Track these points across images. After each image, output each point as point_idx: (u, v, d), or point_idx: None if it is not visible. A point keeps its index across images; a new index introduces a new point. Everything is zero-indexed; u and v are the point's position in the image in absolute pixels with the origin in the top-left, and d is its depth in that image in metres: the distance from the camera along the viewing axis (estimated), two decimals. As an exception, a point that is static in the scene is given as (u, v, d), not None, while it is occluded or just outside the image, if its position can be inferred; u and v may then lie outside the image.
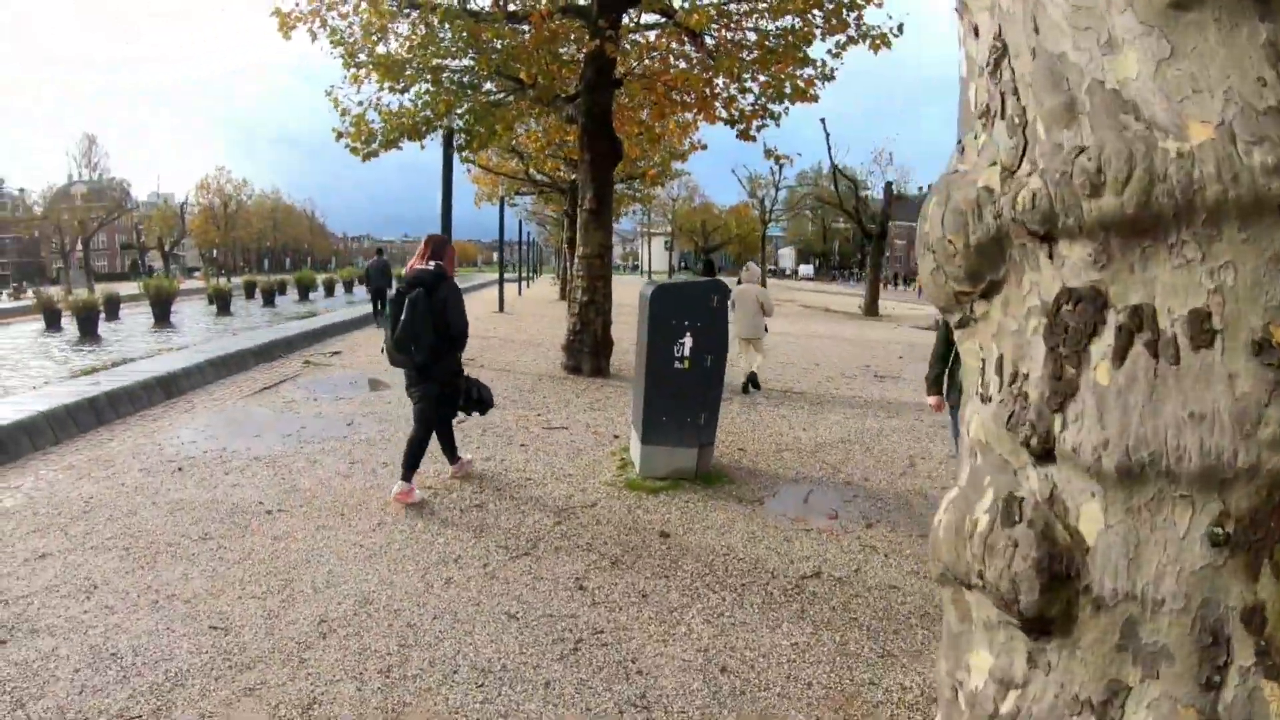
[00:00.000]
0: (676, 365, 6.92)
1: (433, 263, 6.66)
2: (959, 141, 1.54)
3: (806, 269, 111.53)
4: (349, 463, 7.79)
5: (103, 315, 29.51)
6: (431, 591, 4.87)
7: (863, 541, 5.87)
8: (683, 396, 6.97)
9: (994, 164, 1.39)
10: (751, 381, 12.40)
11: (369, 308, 25.69)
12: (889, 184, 40.39)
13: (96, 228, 75.41)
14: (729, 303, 8.31)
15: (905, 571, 5.36)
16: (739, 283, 12.48)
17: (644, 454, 7.15)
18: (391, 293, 7.40)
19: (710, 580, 5.10)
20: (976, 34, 1.46)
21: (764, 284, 15.26)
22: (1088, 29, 1.24)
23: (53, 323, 29.82)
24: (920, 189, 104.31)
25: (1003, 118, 1.38)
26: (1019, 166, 1.34)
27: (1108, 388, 1.26)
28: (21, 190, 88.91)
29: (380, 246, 35.00)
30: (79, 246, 73.29)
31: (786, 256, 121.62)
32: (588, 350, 13.48)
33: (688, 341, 6.87)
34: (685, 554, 5.50)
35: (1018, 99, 1.35)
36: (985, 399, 1.45)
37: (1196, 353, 1.19)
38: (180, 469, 7.73)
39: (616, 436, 8.97)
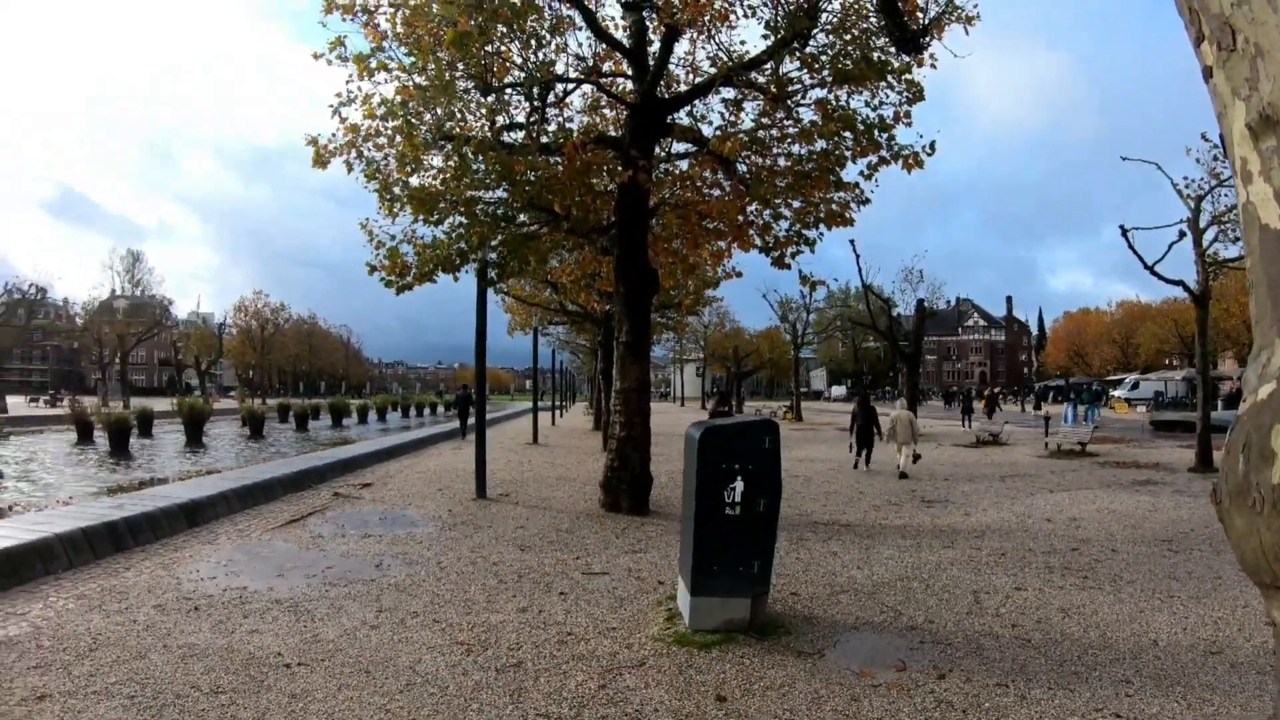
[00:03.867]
0: (727, 511, 6.46)
1: (726, 407, 11.71)
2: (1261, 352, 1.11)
3: (839, 390, 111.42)
4: (376, 611, 7.35)
5: (135, 431, 29.82)
6: (465, 770, 4.39)
7: (937, 696, 5.33)
8: (735, 544, 6.50)
9: None
10: (902, 474, 17.93)
11: (401, 438, 29.33)
12: (921, 302, 40.28)
13: (135, 343, 77.10)
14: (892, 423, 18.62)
15: None
16: (897, 407, 20.40)
17: (694, 606, 6.64)
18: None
19: (773, 755, 4.59)
20: None
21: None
22: None
23: (85, 435, 30.10)
24: (949, 302, 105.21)
25: None
26: None
27: None
28: (65, 300, 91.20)
29: (465, 384, 40.79)
30: (118, 360, 74.54)
31: (818, 378, 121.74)
32: (626, 488, 13.07)
33: (739, 485, 6.42)
34: (744, 722, 4.98)
35: None
36: None
37: None
38: (196, 608, 7.42)
39: (661, 583, 8.43)
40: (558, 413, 52.50)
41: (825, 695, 5.37)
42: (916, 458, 18.99)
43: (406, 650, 6.25)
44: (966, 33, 12.08)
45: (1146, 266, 18.98)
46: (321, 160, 12.80)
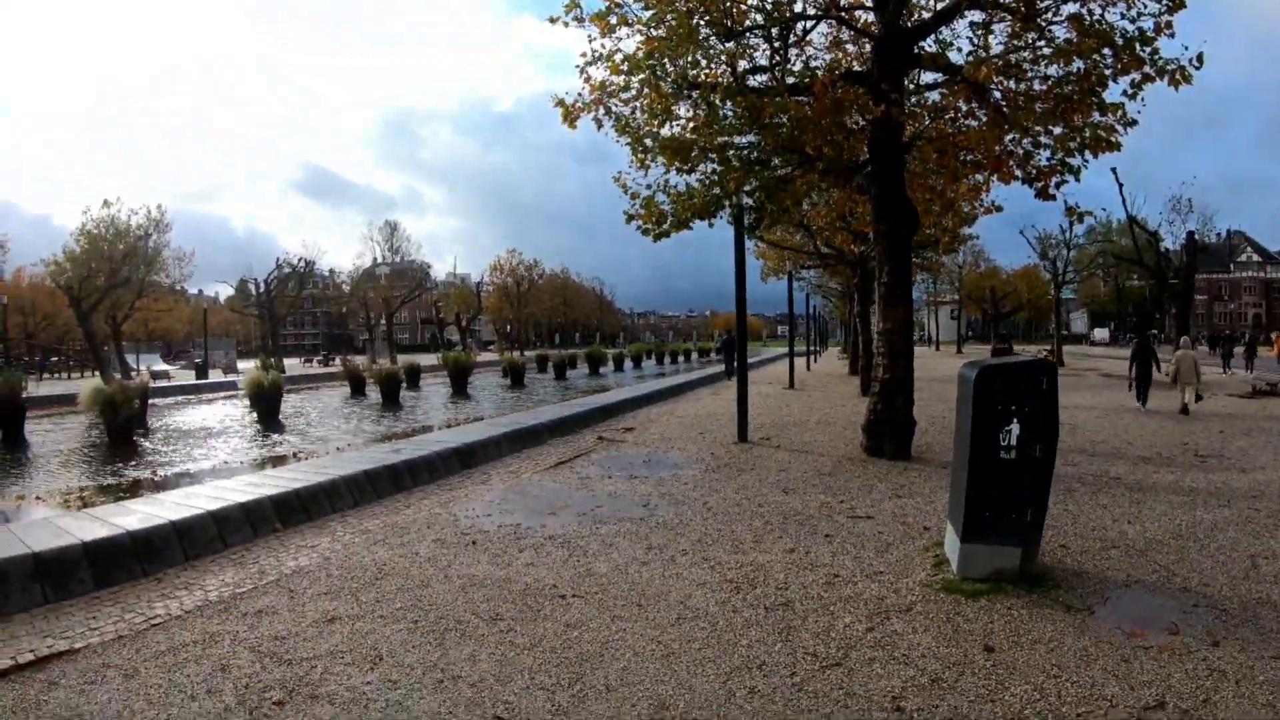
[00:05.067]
0: (1002, 455, 6.21)
1: (1006, 345, 13.35)
2: None
3: (1101, 333, 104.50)
4: (646, 548, 7.65)
5: (404, 384, 31.88)
6: (734, 701, 4.51)
7: (1209, 664, 4.95)
8: (1008, 490, 6.25)
9: None
10: (1185, 410, 19.17)
11: (658, 384, 31.39)
12: (1190, 234, 37.10)
13: (399, 305, 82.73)
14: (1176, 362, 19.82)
15: (1260, 703, 4.44)
16: (1180, 346, 21.86)
17: (963, 552, 6.48)
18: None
19: (1042, 708, 4.42)
20: None
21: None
22: None
23: (358, 390, 32.76)
24: (1220, 235, 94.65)
25: None
26: None
27: None
28: (331, 271, 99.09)
29: (729, 330, 41.15)
30: (383, 321, 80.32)
31: (1079, 320, 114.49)
32: (890, 431, 12.87)
33: (1014, 429, 6.15)
34: (1012, 673, 4.85)
35: None
36: None
37: None
38: (474, 543, 7.97)
39: (927, 529, 8.30)
40: (812, 357, 52.14)
41: (1095, 654, 5.14)
42: (1199, 398, 20.14)
43: (677, 586, 6.48)
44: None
45: None
46: (571, 118, 13.20)
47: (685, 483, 10.94)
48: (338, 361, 58.59)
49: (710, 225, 13.68)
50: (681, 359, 74.93)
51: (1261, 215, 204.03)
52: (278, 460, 14.87)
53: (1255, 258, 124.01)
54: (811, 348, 54.71)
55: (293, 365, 64.81)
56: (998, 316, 67.04)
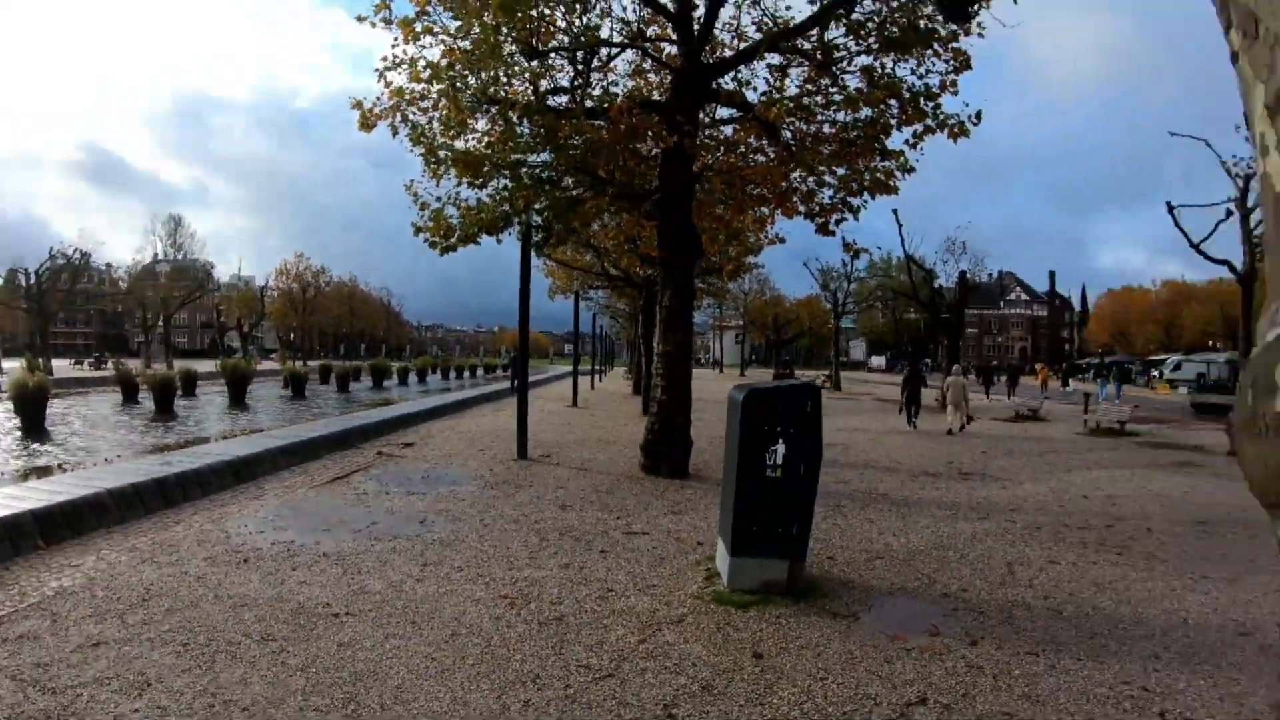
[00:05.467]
0: (768, 473, 6.52)
1: (787, 370, 17.98)
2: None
3: (878, 360, 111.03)
4: (421, 565, 7.53)
5: (180, 392, 30.17)
6: (508, 715, 4.53)
7: (968, 661, 5.39)
8: (774, 506, 6.55)
9: None
10: (958, 429, 21.57)
11: (442, 399, 30.60)
12: (963, 273, 39.93)
13: (179, 306, 77.83)
14: (946, 386, 23.58)
15: (1016, 695, 4.86)
16: (952, 373, 24.02)
17: (733, 566, 6.74)
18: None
19: (809, 708, 4.66)
20: None
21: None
22: None
23: (130, 396, 30.64)
24: (991, 275, 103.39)
25: None
26: None
27: None
28: (108, 265, 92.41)
29: (514, 348, 40.79)
30: (161, 322, 75.59)
31: (858, 348, 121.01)
32: (667, 451, 13.13)
33: (780, 448, 6.47)
34: (780, 678, 5.07)
35: None
36: None
37: None
38: (246, 560, 7.63)
39: (700, 544, 8.55)
40: (597, 377, 52.70)
41: (859, 656, 5.46)
42: (970, 419, 22.81)
43: (451, 603, 6.41)
44: (1016, 1, 11.79)
45: (1192, 244, 18.79)
46: (367, 124, 12.89)
47: (463, 499, 10.84)
48: (110, 364, 54.63)
49: (499, 241, 13.69)
50: (468, 374, 74.12)
51: (1036, 260, 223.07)
52: (42, 471, 13.72)
53: (1024, 297, 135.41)
54: (597, 367, 55.27)
55: (62, 367, 59.88)
56: (780, 342, 69.78)
